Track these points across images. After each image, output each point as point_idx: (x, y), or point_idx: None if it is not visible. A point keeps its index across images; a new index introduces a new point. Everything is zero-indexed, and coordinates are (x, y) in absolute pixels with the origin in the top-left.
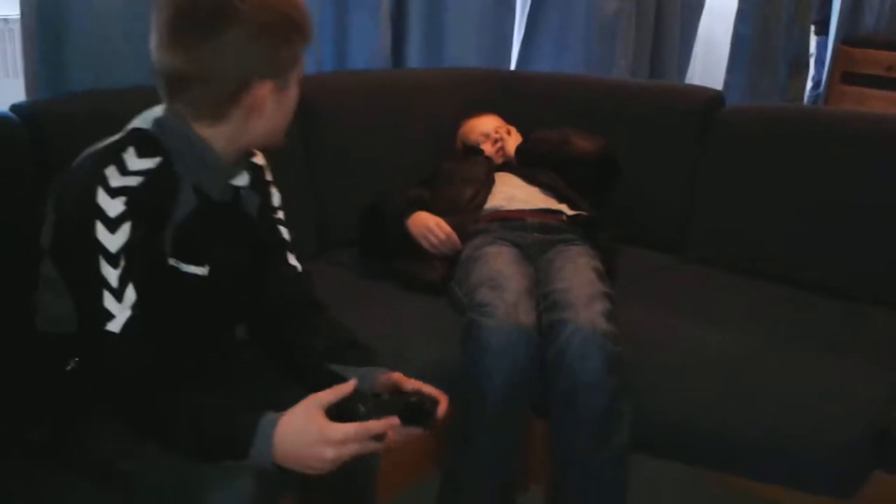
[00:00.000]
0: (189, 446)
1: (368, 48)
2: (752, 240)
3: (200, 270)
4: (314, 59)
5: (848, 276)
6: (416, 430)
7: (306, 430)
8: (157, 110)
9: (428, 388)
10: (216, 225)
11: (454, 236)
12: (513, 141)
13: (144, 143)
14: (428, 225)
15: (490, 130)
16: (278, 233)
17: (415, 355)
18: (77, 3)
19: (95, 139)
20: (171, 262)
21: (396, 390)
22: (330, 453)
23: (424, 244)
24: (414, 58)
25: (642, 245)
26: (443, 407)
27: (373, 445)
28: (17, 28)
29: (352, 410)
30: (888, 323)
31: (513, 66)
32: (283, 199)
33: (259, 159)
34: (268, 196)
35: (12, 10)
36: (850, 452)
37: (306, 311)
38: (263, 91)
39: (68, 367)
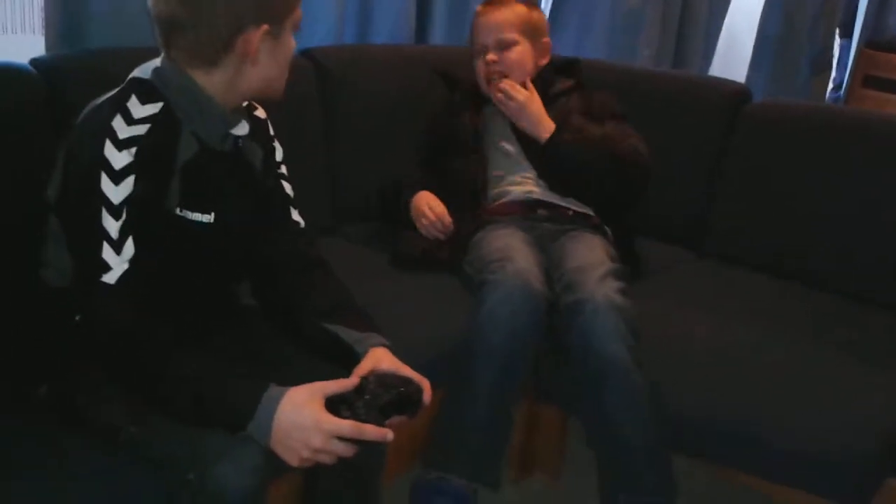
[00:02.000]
0: (185, 411)
1: (391, 22)
2: (773, 237)
3: (206, 217)
4: (336, 31)
5: (869, 279)
6: (400, 419)
7: (302, 415)
8: (156, 61)
9: (410, 371)
10: (219, 172)
11: (445, 217)
12: (521, 110)
13: (145, 90)
14: (421, 209)
15: (490, 42)
16: (282, 188)
17: (419, 331)
18: None
19: None
20: (178, 211)
21: (380, 378)
22: (317, 441)
23: (419, 227)
24: (437, 34)
25: (660, 238)
26: (427, 393)
27: (354, 450)
28: None
29: (351, 406)
30: None
31: None
32: (299, 170)
33: (261, 113)
34: (271, 150)
35: None
36: (865, 458)
37: (307, 267)
38: (256, 36)
39: (77, 318)
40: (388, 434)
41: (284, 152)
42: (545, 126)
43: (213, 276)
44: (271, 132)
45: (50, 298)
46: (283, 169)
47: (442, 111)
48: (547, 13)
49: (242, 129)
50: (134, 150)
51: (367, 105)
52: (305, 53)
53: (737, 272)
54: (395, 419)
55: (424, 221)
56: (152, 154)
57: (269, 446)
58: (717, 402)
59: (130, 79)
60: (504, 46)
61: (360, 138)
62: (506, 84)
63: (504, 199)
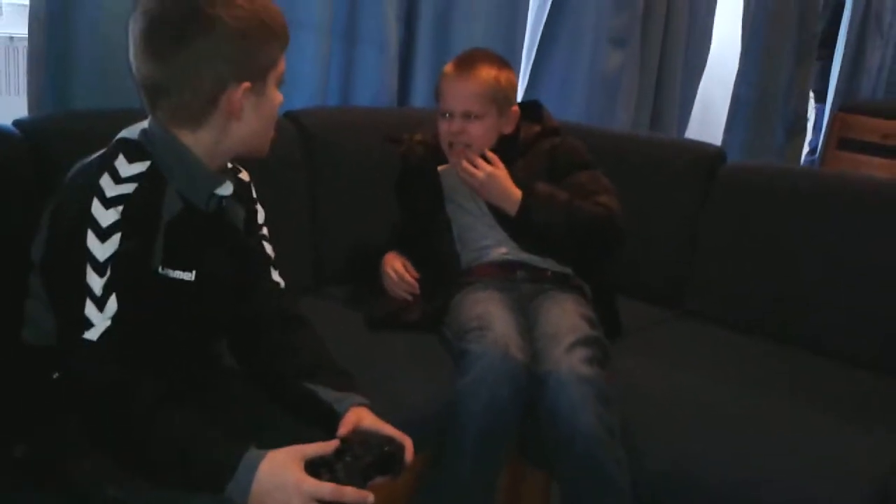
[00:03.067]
0: (166, 471)
1: (374, 85)
2: (750, 297)
3: (187, 276)
4: (319, 94)
5: (847, 338)
6: (383, 480)
7: (282, 476)
8: (144, 123)
9: (391, 430)
10: (201, 232)
11: (406, 276)
12: (489, 186)
13: (133, 149)
14: (385, 271)
15: (456, 108)
16: (263, 248)
17: (403, 394)
18: (84, 23)
19: None
20: (160, 270)
21: (361, 439)
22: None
23: (386, 288)
24: (419, 97)
25: (640, 297)
26: (409, 452)
27: None
28: (21, 46)
29: (331, 469)
30: (885, 386)
31: None
32: (283, 231)
33: (245, 176)
34: (253, 211)
35: (18, 28)
36: None
37: (287, 326)
38: (238, 94)
39: (54, 376)
40: (368, 497)
41: (268, 213)
42: (511, 199)
43: (194, 334)
44: (254, 195)
45: (29, 357)
46: (265, 231)
47: (400, 182)
48: (526, 78)
49: (227, 189)
50: (121, 208)
51: (349, 167)
52: (289, 115)
53: (717, 331)
54: (378, 480)
55: (389, 283)
56: (139, 212)
57: None
58: (700, 462)
59: (118, 139)
60: (469, 118)
61: (343, 200)
62: (467, 165)
63: (481, 262)
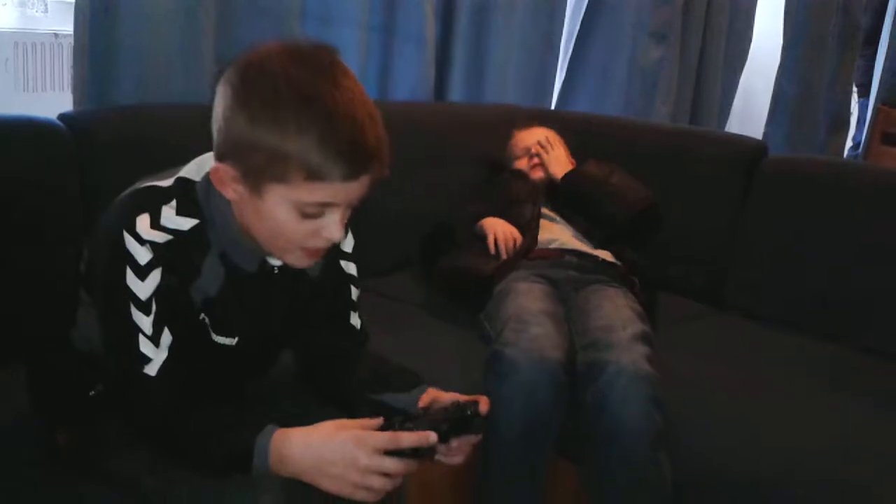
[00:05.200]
0: (205, 463)
1: (412, 79)
2: (790, 292)
3: (228, 341)
4: None
5: (890, 334)
6: (468, 438)
7: (335, 439)
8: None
9: (465, 398)
10: (247, 295)
11: (517, 233)
12: (556, 158)
13: (187, 200)
14: (493, 225)
15: (531, 144)
16: (347, 292)
17: (445, 387)
18: (129, 18)
19: (140, 151)
20: (202, 317)
21: (436, 408)
22: (363, 459)
23: (490, 237)
24: (456, 92)
25: (677, 291)
26: (484, 406)
27: (410, 466)
28: (66, 42)
29: (413, 421)
30: None
31: (553, 106)
32: None
33: None
34: (336, 254)
35: (63, 25)
36: None
37: (351, 351)
38: (226, 173)
39: (91, 393)
40: (424, 435)
41: None
42: (565, 167)
43: (241, 374)
44: (346, 249)
45: (72, 361)
46: (353, 268)
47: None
48: (564, 71)
49: (277, 261)
50: (150, 247)
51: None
52: None
53: (756, 326)
54: (463, 439)
55: (499, 234)
56: (171, 259)
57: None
58: (736, 459)
59: (180, 178)
60: (545, 146)
61: (379, 194)
62: (551, 145)
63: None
